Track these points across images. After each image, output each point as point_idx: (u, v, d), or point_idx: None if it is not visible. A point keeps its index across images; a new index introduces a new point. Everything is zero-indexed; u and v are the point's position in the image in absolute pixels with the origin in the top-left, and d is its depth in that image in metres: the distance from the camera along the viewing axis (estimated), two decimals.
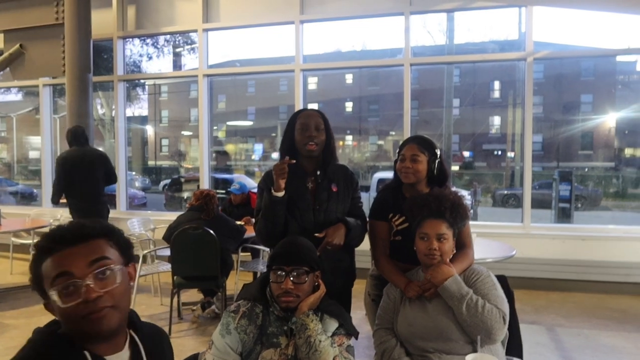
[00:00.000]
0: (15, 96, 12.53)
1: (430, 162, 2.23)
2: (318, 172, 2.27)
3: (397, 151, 2.33)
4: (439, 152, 2.26)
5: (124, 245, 1.12)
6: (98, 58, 6.20)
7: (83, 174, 4.87)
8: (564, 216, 10.78)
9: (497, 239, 4.40)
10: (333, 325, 1.63)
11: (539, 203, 10.87)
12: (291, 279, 1.58)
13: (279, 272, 1.60)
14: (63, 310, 1.01)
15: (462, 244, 2.10)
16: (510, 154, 18.41)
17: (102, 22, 6.61)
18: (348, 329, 1.64)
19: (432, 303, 1.88)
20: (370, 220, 2.34)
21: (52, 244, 1.04)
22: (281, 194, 2.12)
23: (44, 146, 7.34)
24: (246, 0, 6.23)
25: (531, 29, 5.37)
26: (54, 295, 1.00)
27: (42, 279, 1.04)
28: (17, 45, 6.32)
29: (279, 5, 6.07)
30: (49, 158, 7.36)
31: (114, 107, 7.07)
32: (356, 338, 1.66)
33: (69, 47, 5.94)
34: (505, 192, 15.76)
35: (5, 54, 6.40)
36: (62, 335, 1.06)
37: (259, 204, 2.26)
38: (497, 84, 20.72)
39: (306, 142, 2.21)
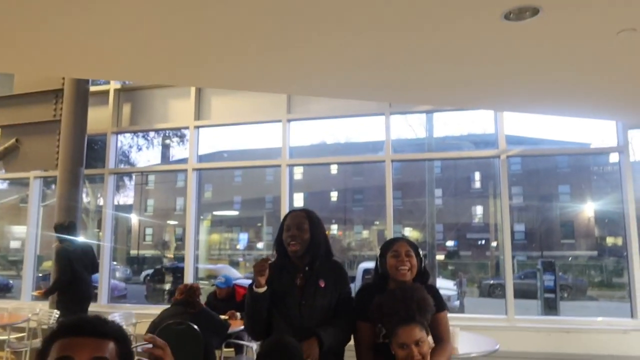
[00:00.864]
0: None
1: (418, 261, 2.32)
2: (306, 268, 2.36)
3: (382, 251, 2.38)
4: (422, 253, 2.37)
5: (127, 356, 1.19)
6: (88, 149, 6.42)
7: (84, 266, 5.32)
8: (550, 307, 10.74)
9: (482, 332, 4.41)
10: None
11: (524, 293, 10.84)
12: None
13: None
14: None
15: (440, 338, 2.15)
16: (494, 244, 18.60)
17: (98, 118, 6.92)
18: None
19: None
20: (357, 322, 2.31)
21: (69, 329, 1.13)
22: (262, 289, 2.21)
23: (29, 236, 7.32)
24: (236, 100, 6.63)
25: (502, 128, 5.77)
26: None
27: (46, 357, 1.10)
28: (13, 140, 6.54)
29: (267, 105, 6.47)
30: (33, 248, 7.31)
31: (99, 196, 7.19)
32: None
33: (63, 142, 6.17)
34: (492, 281, 15.72)
35: (0, 148, 6.59)
36: None
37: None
38: (477, 175, 21.41)
39: (288, 242, 2.34)
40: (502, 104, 5.09)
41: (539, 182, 19.51)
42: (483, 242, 20.52)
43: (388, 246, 2.37)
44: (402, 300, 2.03)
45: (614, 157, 6.07)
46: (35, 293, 5.70)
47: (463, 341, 3.50)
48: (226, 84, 4.91)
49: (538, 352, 5.08)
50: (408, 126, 9.63)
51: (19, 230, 10.15)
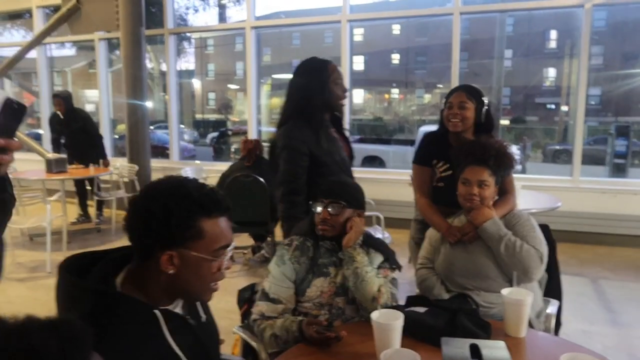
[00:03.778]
0: (69, 51, 13.00)
1: (477, 110, 2.26)
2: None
3: (445, 99, 2.36)
4: (486, 100, 2.29)
5: None
6: (146, 11, 6.35)
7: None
8: (619, 172, 10.40)
9: (544, 191, 4.38)
10: (378, 259, 1.76)
11: (593, 159, 10.49)
12: (329, 209, 1.72)
13: (318, 204, 1.74)
14: (205, 274, 1.07)
15: (505, 191, 2.15)
16: (565, 108, 17.65)
17: None
18: (392, 263, 1.77)
19: (472, 244, 1.97)
20: (413, 165, 2.43)
21: (216, 205, 1.08)
22: None
23: (101, 98, 7.68)
24: None
25: None
26: (224, 261, 1.09)
27: (200, 236, 1.05)
28: (74, 1, 6.55)
29: None
30: (107, 110, 7.72)
31: (162, 60, 7.25)
32: (399, 271, 1.79)
33: (122, 1, 6.10)
34: (557, 147, 15.25)
35: (63, 9, 6.65)
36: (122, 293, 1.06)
37: (295, 171, 2.15)
38: (553, 33, 19.64)
39: (343, 98, 2.25)
40: None
41: (624, 39, 17.65)
42: (553, 106, 19.52)
43: (447, 96, 2.35)
44: (482, 145, 2.02)
45: None
46: None
47: (524, 198, 3.48)
48: None
49: (602, 212, 5.02)
50: None
51: (91, 94, 10.65)
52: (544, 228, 2.14)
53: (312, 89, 2.18)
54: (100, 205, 6.08)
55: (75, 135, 5.86)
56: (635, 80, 17.41)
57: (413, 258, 2.51)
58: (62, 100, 5.74)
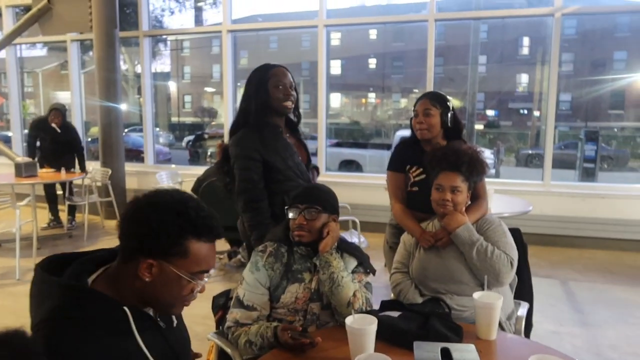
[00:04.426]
0: (40, 51, 12.71)
1: (443, 115, 2.31)
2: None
3: (413, 108, 2.41)
4: (450, 105, 2.34)
5: None
6: (121, 13, 6.27)
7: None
8: (588, 176, 10.67)
9: (516, 195, 4.47)
10: (352, 263, 1.77)
11: (563, 163, 10.74)
12: (304, 215, 1.73)
13: (293, 209, 1.75)
14: (177, 291, 1.08)
15: (477, 196, 2.20)
16: (537, 113, 18.04)
17: None
18: (366, 267, 1.78)
19: (445, 249, 2.00)
20: (388, 172, 2.46)
21: (209, 231, 1.09)
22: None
23: (73, 100, 7.53)
24: None
25: None
26: (198, 284, 1.10)
27: (184, 255, 1.06)
28: (45, 1, 6.42)
29: None
30: (79, 112, 7.57)
31: (137, 62, 7.17)
32: (373, 275, 1.81)
33: (95, 2, 6.01)
34: (530, 151, 15.57)
35: (34, 10, 6.51)
36: (94, 290, 1.07)
37: (251, 178, 2.14)
38: (526, 40, 20.06)
39: (285, 100, 2.20)
40: None
41: (593, 47, 18.17)
42: (525, 111, 19.93)
43: (414, 105, 2.40)
44: (455, 152, 2.06)
45: None
46: None
47: (497, 202, 3.56)
48: None
49: (572, 216, 5.15)
50: None
51: (63, 96, 10.44)
52: (515, 232, 2.20)
53: (250, 94, 2.21)
54: (73, 210, 5.96)
55: (61, 145, 5.79)
56: (604, 86, 17.93)
57: (388, 262, 2.53)
58: (61, 113, 5.72)
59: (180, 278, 1.07)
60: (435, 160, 2.10)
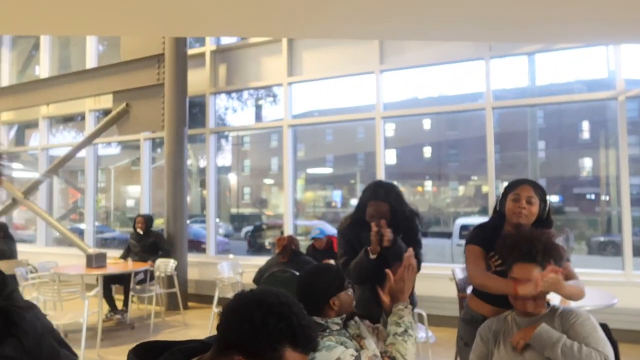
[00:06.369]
0: (114, 149, 13.78)
1: (540, 208, 2.21)
2: None
3: (505, 191, 2.29)
4: (548, 199, 2.23)
5: None
6: (189, 113, 6.79)
7: None
8: None
9: (595, 287, 4.12)
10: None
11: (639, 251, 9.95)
12: None
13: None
14: None
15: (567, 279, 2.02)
16: (605, 198, 17.20)
17: (196, 79, 7.23)
18: None
19: (528, 350, 1.81)
20: (469, 245, 2.30)
21: (307, 342, 1.08)
22: (374, 256, 2.50)
23: (143, 194, 7.96)
24: (328, 54, 6.56)
25: (621, 66, 5.18)
26: None
27: (278, 359, 1.05)
28: (124, 104, 7.05)
29: (359, 56, 6.34)
30: (147, 205, 7.96)
31: (200, 157, 7.57)
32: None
33: (167, 104, 6.54)
34: (602, 238, 14.59)
35: (113, 113, 7.16)
36: None
37: (343, 248, 2.75)
38: (585, 124, 19.71)
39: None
40: (624, 35, 4.51)
41: None
42: (592, 196, 19.05)
43: (511, 187, 2.26)
44: (528, 238, 1.93)
45: None
46: None
47: None
48: (317, 32, 4.84)
49: None
50: (508, 74, 8.98)
51: (133, 190, 11.09)
52: (604, 327, 1.98)
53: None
54: (127, 300, 6.05)
55: (146, 246, 6.34)
56: None
57: (461, 359, 2.34)
58: (144, 220, 6.36)
59: None
60: (507, 248, 1.99)
